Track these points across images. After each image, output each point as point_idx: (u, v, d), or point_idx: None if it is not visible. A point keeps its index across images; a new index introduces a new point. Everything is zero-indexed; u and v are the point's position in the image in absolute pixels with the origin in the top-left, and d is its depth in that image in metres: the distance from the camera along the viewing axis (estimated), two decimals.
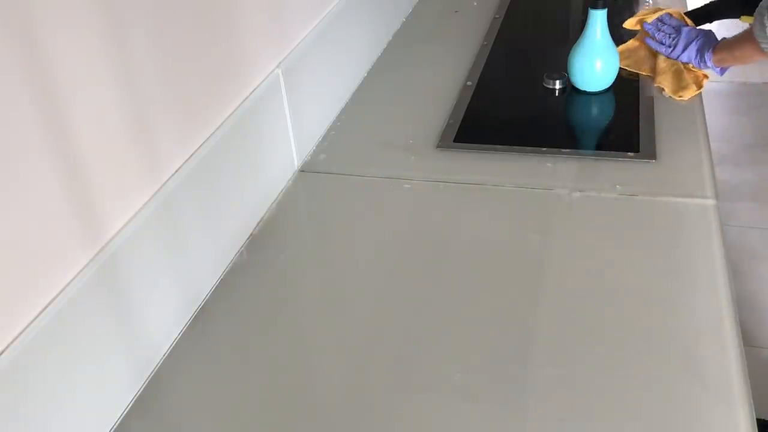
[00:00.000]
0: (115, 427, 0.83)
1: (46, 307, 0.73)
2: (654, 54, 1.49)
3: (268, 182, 1.17)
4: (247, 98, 1.08)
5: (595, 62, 1.37)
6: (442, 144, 1.30)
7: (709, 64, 1.39)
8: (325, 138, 1.35)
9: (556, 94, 1.44)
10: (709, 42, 1.40)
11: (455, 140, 1.31)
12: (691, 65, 1.42)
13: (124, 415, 0.85)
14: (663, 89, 1.40)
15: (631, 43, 1.54)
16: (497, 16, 1.79)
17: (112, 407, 0.84)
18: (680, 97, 1.36)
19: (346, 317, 0.96)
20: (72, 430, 0.77)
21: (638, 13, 1.55)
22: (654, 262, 1.00)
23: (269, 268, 1.05)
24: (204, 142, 0.99)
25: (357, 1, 1.47)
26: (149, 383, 0.88)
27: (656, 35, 1.47)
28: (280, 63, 1.18)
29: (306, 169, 1.27)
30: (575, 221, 1.09)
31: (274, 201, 1.18)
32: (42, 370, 0.72)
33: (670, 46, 1.44)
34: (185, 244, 0.95)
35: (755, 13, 1.25)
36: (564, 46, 1.44)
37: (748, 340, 2.01)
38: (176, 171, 0.93)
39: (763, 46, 1.24)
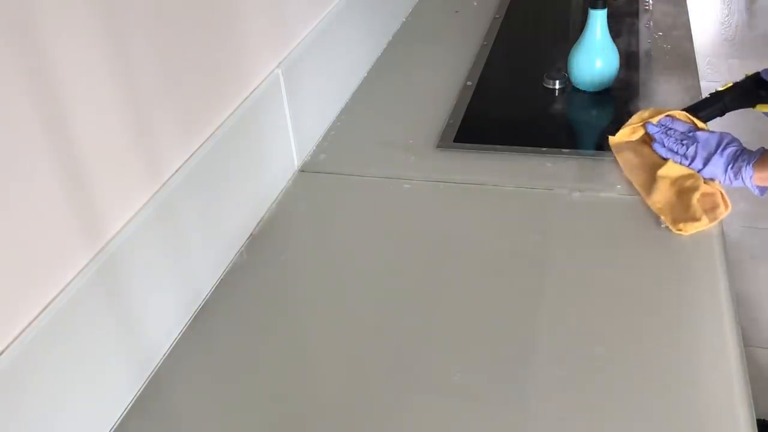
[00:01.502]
0: (115, 427, 0.83)
1: (46, 307, 0.73)
2: (655, 161, 1.14)
3: (268, 182, 1.17)
4: (247, 98, 1.08)
5: (595, 62, 1.37)
6: (442, 144, 1.30)
7: (747, 182, 1.06)
8: (325, 138, 1.35)
9: (556, 94, 1.44)
10: (746, 152, 1.08)
11: (455, 140, 1.31)
12: (716, 182, 1.09)
13: (124, 415, 0.85)
14: (660, 217, 1.05)
15: (629, 131, 1.20)
16: (497, 16, 1.79)
17: (112, 407, 0.84)
18: (680, 231, 1.02)
19: (346, 317, 0.96)
20: (72, 430, 0.77)
21: (630, 121, 1.21)
22: (654, 262, 1.00)
23: (269, 268, 1.05)
24: (204, 142, 0.99)
25: (357, 1, 1.47)
26: (149, 383, 0.88)
27: (665, 142, 1.15)
28: (280, 63, 1.18)
29: (306, 169, 1.27)
30: (575, 221, 1.09)
31: (274, 201, 1.18)
32: (42, 370, 0.72)
33: (686, 157, 1.11)
34: (185, 244, 0.95)
35: None
36: (564, 46, 1.44)
37: (747, 339, 2.01)
38: (176, 171, 0.93)
39: None
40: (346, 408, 0.84)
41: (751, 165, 1.05)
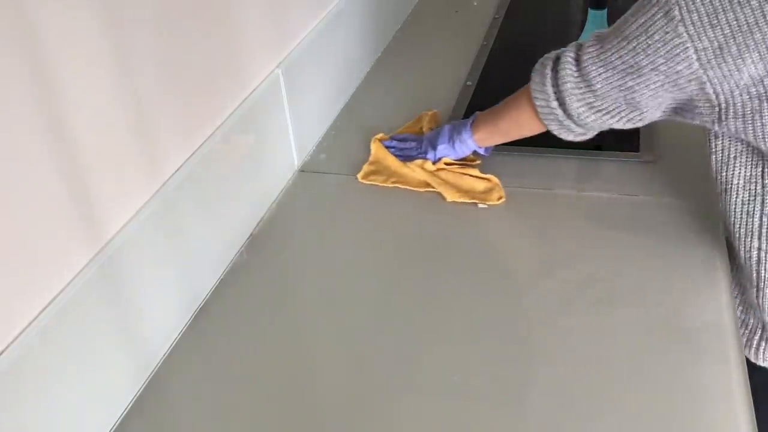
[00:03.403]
0: (115, 427, 0.83)
1: (46, 307, 0.73)
2: (404, 167, 1.20)
3: (268, 182, 1.17)
4: (247, 98, 1.08)
5: None
6: None
7: (472, 146, 1.14)
8: (325, 138, 1.35)
9: None
10: (461, 123, 1.16)
11: None
12: (452, 159, 1.17)
13: (124, 415, 0.85)
14: (477, 203, 1.13)
15: (375, 152, 1.24)
16: (497, 16, 1.79)
17: (112, 407, 0.84)
18: (500, 198, 1.13)
19: (345, 317, 0.96)
20: (72, 430, 0.77)
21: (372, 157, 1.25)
22: (654, 263, 0.99)
23: (269, 268, 1.05)
24: (204, 142, 0.99)
25: (357, 1, 1.47)
26: (149, 383, 0.88)
27: (403, 152, 1.23)
28: (280, 63, 1.17)
29: (306, 169, 1.27)
30: (575, 221, 1.09)
31: (274, 201, 1.18)
32: (42, 370, 0.72)
33: (422, 153, 1.20)
34: (185, 243, 0.95)
35: (536, 66, 1.00)
36: (564, 46, 1.44)
37: None
38: (176, 171, 0.93)
39: (540, 109, 0.98)
40: (345, 407, 0.84)
41: (468, 128, 1.13)
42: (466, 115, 1.37)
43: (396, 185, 1.19)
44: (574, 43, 0.97)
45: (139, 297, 0.86)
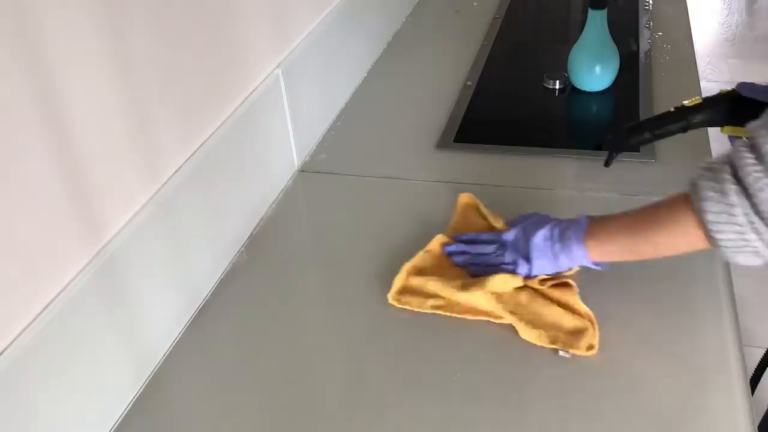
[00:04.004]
0: (115, 427, 0.83)
1: (45, 307, 0.73)
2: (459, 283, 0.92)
3: (268, 182, 1.17)
4: (247, 98, 1.08)
5: (595, 62, 1.37)
6: (442, 144, 1.30)
7: (582, 262, 0.88)
8: (325, 138, 1.35)
9: (556, 94, 1.44)
10: (562, 229, 0.89)
11: (455, 140, 1.31)
12: (540, 280, 0.90)
13: (124, 415, 0.85)
14: (558, 349, 0.86)
15: (420, 260, 0.97)
16: (497, 16, 1.79)
17: (112, 407, 0.84)
18: (591, 348, 0.86)
19: (345, 317, 0.96)
20: (72, 430, 0.76)
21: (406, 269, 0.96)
22: (654, 262, 0.99)
23: (269, 268, 1.05)
24: (204, 142, 0.99)
25: (357, 1, 1.47)
26: (149, 383, 0.88)
27: (474, 258, 0.96)
28: (280, 63, 1.18)
29: (306, 169, 1.27)
30: None
31: (274, 201, 1.18)
32: (42, 370, 0.72)
33: (507, 264, 0.92)
34: (185, 243, 0.95)
35: (701, 185, 0.75)
36: (564, 46, 1.44)
37: (747, 339, 2.01)
38: (176, 171, 0.93)
39: (726, 242, 0.75)
40: (345, 407, 0.84)
41: (581, 243, 0.87)
42: (467, 115, 1.38)
43: (436, 312, 0.91)
44: (729, 151, 0.75)
45: (139, 297, 0.86)
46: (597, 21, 1.34)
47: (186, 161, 0.95)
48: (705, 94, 1.14)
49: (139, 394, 0.87)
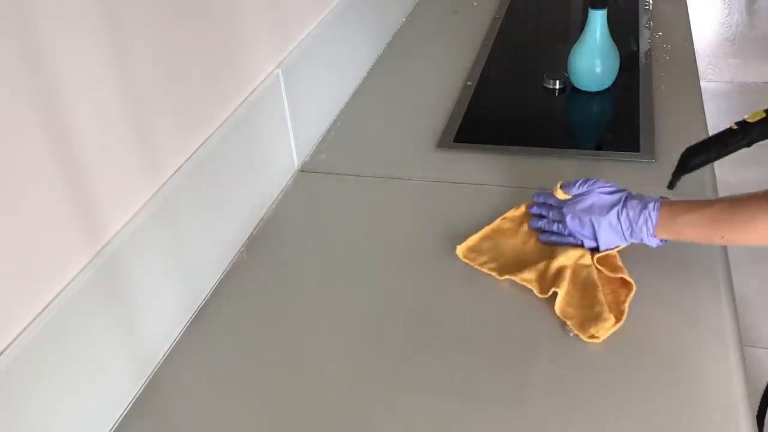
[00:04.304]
0: (115, 427, 0.83)
1: (45, 307, 0.73)
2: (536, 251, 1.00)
3: (268, 182, 1.17)
4: (247, 98, 1.08)
5: (595, 62, 1.37)
6: (442, 144, 1.30)
7: (647, 239, 0.92)
8: (325, 138, 1.35)
9: (556, 94, 1.44)
10: (643, 211, 0.91)
11: (455, 140, 1.31)
12: (605, 253, 0.94)
13: (124, 415, 0.85)
14: (567, 323, 0.90)
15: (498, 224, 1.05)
16: (497, 16, 1.79)
17: (111, 407, 0.84)
18: (592, 337, 0.87)
19: (346, 317, 0.96)
20: (72, 430, 0.76)
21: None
22: (654, 262, 0.99)
23: (269, 268, 1.05)
24: (204, 142, 0.99)
25: (357, 1, 1.47)
26: (149, 383, 0.88)
27: (539, 223, 1.02)
28: (280, 63, 1.18)
29: (306, 169, 1.27)
30: None
31: (274, 201, 1.18)
32: (41, 370, 0.72)
33: (567, 237, 0.98)
34: (185, 244, 0.95)
35: None
36: (564, 46, 1.44)
37: (747, 339, 2.01)
38: (176, 171, 0.93)
39: None
40: (346, 407, 0.84)
41: (653, 220, 0.90)
42: (467, 115, 1.38)
43: (492, 273, 0.98)
44: None
45: (139, 297, 0.86)
46: (597, 21, 1.34)
47: (186, 161, 0.95)
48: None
49: (139, 394, 0.87)
